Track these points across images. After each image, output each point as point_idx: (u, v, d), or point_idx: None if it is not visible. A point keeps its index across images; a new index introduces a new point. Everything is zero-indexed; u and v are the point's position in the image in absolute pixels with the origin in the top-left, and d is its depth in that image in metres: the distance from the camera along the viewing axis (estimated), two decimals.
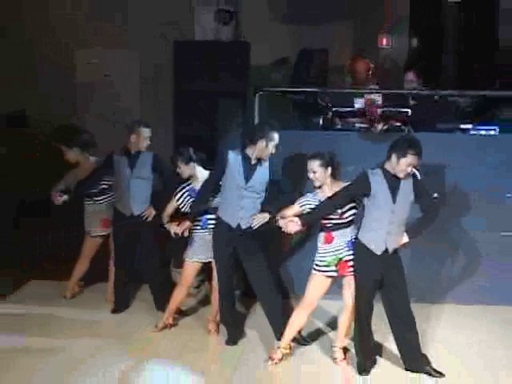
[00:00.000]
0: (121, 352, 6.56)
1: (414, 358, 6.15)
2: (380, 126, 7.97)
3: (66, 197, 7.39)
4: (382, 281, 6.05)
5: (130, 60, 11.21)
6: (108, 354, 6.53)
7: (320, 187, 6.22)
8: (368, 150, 7.31)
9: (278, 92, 8.64)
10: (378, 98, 8.17)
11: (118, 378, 6.04)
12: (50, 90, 11.01)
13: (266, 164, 6.55)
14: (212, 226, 6.71)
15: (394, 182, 5.94)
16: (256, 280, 6.64)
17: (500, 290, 7.63)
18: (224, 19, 10.52)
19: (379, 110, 8.11)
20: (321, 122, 8.37)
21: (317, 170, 6.17)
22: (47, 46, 11.04)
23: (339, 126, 8.24)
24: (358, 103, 8.31)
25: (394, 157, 5.89)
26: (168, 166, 7.18)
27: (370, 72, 8.81)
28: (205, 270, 7.16)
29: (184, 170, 6.88)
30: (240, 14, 10.85)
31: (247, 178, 6.52)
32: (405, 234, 6.05)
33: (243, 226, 6.55)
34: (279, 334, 6.47)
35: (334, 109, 8.38)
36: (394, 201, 5.92)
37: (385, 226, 5.94)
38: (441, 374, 6.07)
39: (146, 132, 7.25)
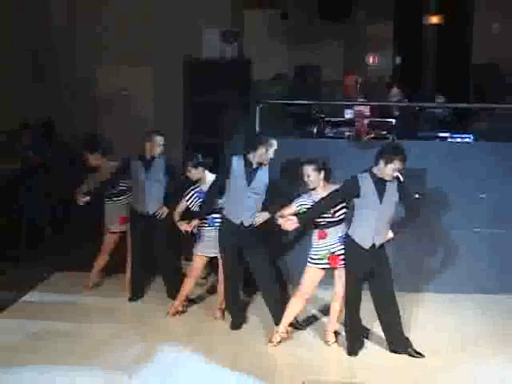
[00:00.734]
0: (136, 336, 6.54)
1: (397, 341, 6.13)
2: (367, 135, 7.92)
3: (87, 198, 7.36)
4: (369, 272, 6.04)
5: (144, 75, 11.19)
6: (125, 337, 6.50)
7: (314, 189, 6.20)
8: (357, 156, 7.29)
9: (277, 104, 8.62)
10: (365, 110, 8.15)
11: (134, 359, 6.01)
12: (75, 103, 11.01)
13: (266, 168, 6.53)
14: (218, 224, 6.70)
15: (380, 184, 5.92)
16: (258, 271, 6.62)
17: (472, 279, 7.61)
18: (229, 39, 10.50)
19: (367, 120, 8.09)
20: (315, 130, 8.36)
21: (311, 174, 6.15)
22: (72, 64, 11.05)
23: (331, 134, 8.22)
24: (348, 114, 8.30)
25: (381, 162, 5.87)
26: (178, 170, 7.17)
27: (358, 86, 8.80)
28: (212, 264, 7.13)
29: (193, 173, 6.86)
30: (243, 34, 10.85)
31: (249, 181, 6.50)
32: (390, 230, 6.04)
33: (246, 224, 6.53)
34: (278, 320, 6.45)
35: (326, 119, 8.37)
36: (381, 201, 5.91)
37: (372, 223, 5.92)
38: (421, 355, 6.05)
39: (159, 140, 7.23)
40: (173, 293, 7.23)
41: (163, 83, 11.01)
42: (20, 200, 9.10)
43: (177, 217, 6.88)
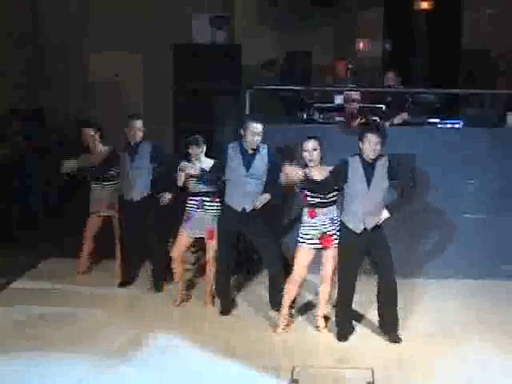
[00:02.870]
0: (127, 321, 6.51)
1: (388, 323, 6.12)
2: (357, 120, 7.88)
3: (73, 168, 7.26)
4: (364, 256, 6.02)
5: (134, 62, 11.08)
6: (115, 323, 6.47)
7: (308, 168, 6.06)
8: (346, 142, 7.22)
9: (267, 89, 8.57)
10: (354, 95, 8.10)
11: (125, 344, 6.00)
12: (66, 89, 10.92)
13: (264, 151, 6.47)
14: (207, 208, 6.64)
15: (369, 167, 5.89)
16: (266, 254, 6.54)
17: (460, 265, 7.58)
18: (218, 24, 10.42)
19: (357, 106, 8.04)
20: (304, 116, 8.31)
21: (317, 148, 6.03)
22: (63, 51, 10.95)
23: (321, 120, 8.18)
24: (338, 99, 8.27)
25: (360, 143, 5.88)
26: (167, 154, 7.08)
27: (348, 72, 8.78)
28: (199, 249, 7.06)
29: (195, 150, 6.67)
30: (233, 19, 10.76)
31: (247, 167, 6.43)
32: (384, 209, 5.95)
33: (248, 210, 6.47)
34: (274, 304, 6.47)
35: (316, 104, 8.33)
36: (369, 184, 5.88)
37: (361, 207, 5.89)
38: (396, 342, 6.04)
39: (136, 124, 7.06)
40: (159, 275, 7.23)
41: (153, 69, 10.92)
42: (12, 186, 9.02)
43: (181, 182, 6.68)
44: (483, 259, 7.60)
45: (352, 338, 6.16)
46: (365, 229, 5.93)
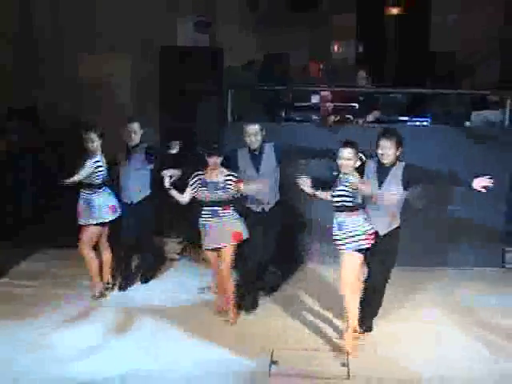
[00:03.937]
0: (116, 303, 6.67)
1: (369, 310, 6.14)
2: (332, 118, 7.99)
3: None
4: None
5: (122, 62, 11.08)
6: (106, 306, 6.64)
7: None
8: (322, 138, 7.32)
9: (248, 89, 8.64)
10: (329, 94, 8.22)
11: (115, 326, 6.18)
12: (58, 89, 10.89)
13: (269, 150, 6.45)
14: (221, 216, 6.16)
15: (383, 170, 5.77)
16: (266, 240, 6.53)
17: (426, 253, 7.77)
18: (202, 28, 10.48)
19: (331, 105, 8.15)
20: (283, 114, 8.40)
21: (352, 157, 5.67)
22: (55, 51, 10.92)
23: (298, 118, 8.28)
24: (314, 99, 8.37)
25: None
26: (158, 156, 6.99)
27: (320, 72, 8.94)
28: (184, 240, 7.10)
29: (214, 160, 6.18)
30: (215, 23, 10.83)
31: (257, 169, 6.45)
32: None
33: (266, 209, 6.51)
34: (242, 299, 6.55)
35: (294, 103, 8.43)
36: (380, 187, 5.76)
37: (371, 209, 5.74)
38: (365, 332, 6.04)
39: (133, 126, 6.91)
40: (147, 277, 7.29)
41: (140, 71, 10.92)
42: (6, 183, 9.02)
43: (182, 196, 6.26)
44: (444, 248, 7.79)
45: (330, 323, 6.25)
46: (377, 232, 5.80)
